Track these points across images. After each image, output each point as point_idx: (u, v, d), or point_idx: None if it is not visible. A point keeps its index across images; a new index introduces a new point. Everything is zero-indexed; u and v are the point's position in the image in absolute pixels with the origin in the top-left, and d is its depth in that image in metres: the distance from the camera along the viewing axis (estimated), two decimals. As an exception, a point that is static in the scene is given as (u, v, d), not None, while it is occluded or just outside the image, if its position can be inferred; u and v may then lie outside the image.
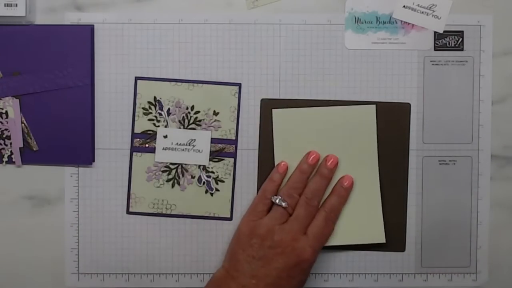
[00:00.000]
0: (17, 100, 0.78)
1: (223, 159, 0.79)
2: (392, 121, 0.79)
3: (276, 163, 0.78)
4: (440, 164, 0.79)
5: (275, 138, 0.79)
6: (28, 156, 0.78)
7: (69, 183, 0.79)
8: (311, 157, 0.77)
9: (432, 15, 0.78)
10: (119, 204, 0.80)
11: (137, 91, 0.79)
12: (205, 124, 0.79)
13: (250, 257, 0.73)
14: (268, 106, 0.79)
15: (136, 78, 0.79)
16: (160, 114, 0.79)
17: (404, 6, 0.78)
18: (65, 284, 0.80)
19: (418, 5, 0.78)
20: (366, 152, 0.78)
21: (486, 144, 0.79)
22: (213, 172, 0.79)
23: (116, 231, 0.80)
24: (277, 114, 0.78)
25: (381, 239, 0.78)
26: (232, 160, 0.79)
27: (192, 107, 0.79)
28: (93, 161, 0.79)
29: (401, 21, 0.79)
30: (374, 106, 0.78)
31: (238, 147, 0.79)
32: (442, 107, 0.79)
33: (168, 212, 0.80)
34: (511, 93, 0.80)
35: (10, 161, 0.79)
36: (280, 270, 0.73)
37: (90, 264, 0.80)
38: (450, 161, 0.79)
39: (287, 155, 0.78)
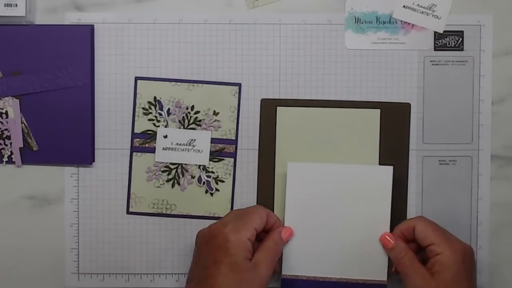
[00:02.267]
0: (17, 100, 0.78)
1: (223, 159, 0.79)
2: (392, 121, 0.79)
3: (277, 161, 0.78)
4: (440, 164, 0.79)
5: (277, 135, 0.79)
6: (28, 156, 0.78)
7: (69, 183, 0.79)
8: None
9: (432, 15, 0.78)
10: (119, 204, 0.79)
11: (137, 91, 0.79)
12: (205, 124, 0.79)
13: None
14: (268, 106, 0.79)
15: (136, 78, 0.79)
16: (160, 114, 0.79)
17: (404, 6, 0.78)
18: (65, 284, 0.80)
19: (418, 5, 0.78)
20: (368, 156, 0.78)
21: (486, 144, 0.79)
22: (213, 172, 0.79)
23: (116, 231, 0.80)
24: (282, 111, 0.78)
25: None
26: (232, 160, 0.79)
27: (192, 107, 0.79)
28: (93, 161, 0.79)
29: (401, 21, 0.79)
30: (378, 110, 0.78)
31: (238, 147, 0.79)
32: (442, 107, 0.79)
33: (168, 212, 0.79)
34: (511, 93, 0.80)
35: (10, 161, 0.79)
36: None
37: (90, 264, 0.80)
38: (450, 161, 0.79)
39: (288, 153, 0.78)
